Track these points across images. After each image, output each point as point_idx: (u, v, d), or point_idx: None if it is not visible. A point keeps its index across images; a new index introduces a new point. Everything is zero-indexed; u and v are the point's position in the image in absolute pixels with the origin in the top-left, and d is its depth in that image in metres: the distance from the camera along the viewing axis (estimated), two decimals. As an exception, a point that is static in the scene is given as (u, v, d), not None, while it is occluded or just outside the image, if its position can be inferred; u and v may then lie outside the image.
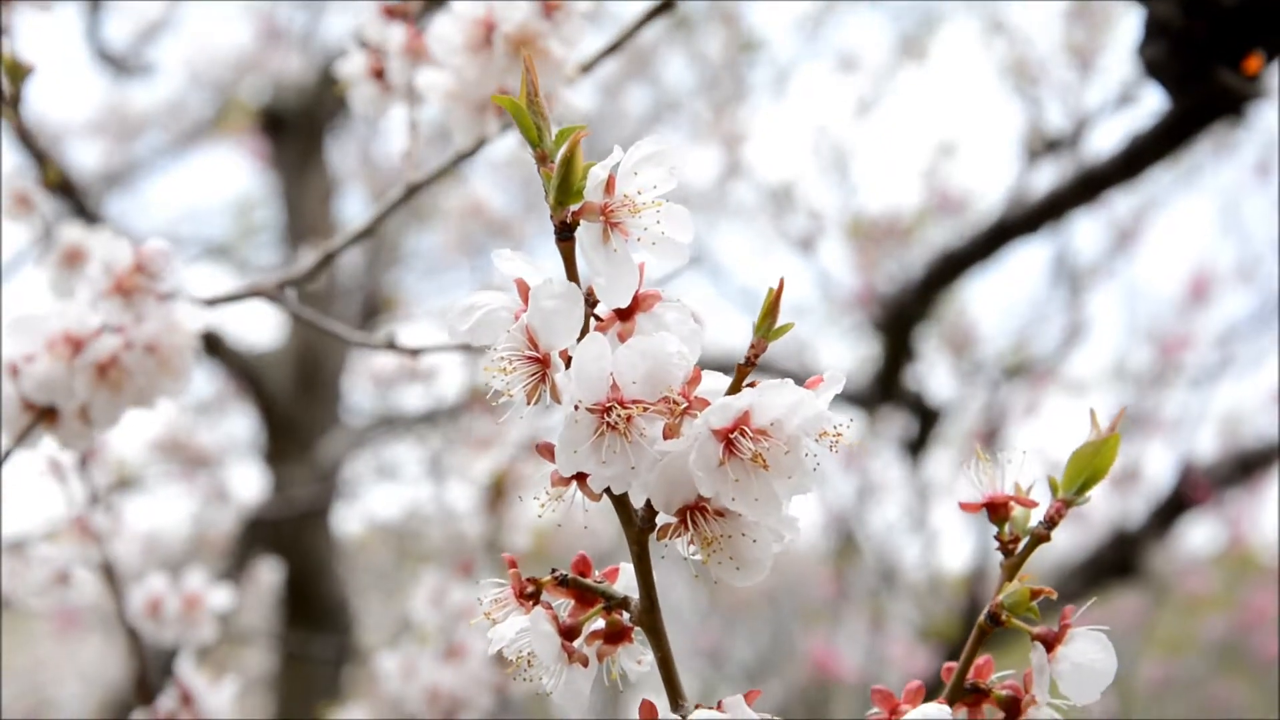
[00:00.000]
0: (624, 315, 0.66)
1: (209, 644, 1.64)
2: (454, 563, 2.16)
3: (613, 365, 0.62)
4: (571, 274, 0.65)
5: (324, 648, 3.57)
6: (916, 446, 3.87)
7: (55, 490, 1.58)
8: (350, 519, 4.82)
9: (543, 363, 0.63)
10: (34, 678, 4.89)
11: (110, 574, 1.57)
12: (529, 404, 0.64)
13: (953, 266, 3.13)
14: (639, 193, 0.64)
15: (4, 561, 1.63)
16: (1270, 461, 3.89)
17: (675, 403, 0.62)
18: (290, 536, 3.72)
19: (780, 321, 0.66)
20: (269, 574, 3.51)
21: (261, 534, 3.59)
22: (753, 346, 0.65)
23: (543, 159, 0.64)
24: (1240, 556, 5.42)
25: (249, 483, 4.25)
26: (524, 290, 0.65)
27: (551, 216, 0.64)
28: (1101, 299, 4.32)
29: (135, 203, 5.63)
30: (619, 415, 0.62)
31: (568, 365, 0.62)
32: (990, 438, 4.06)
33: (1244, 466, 3.88)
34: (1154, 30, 1.72)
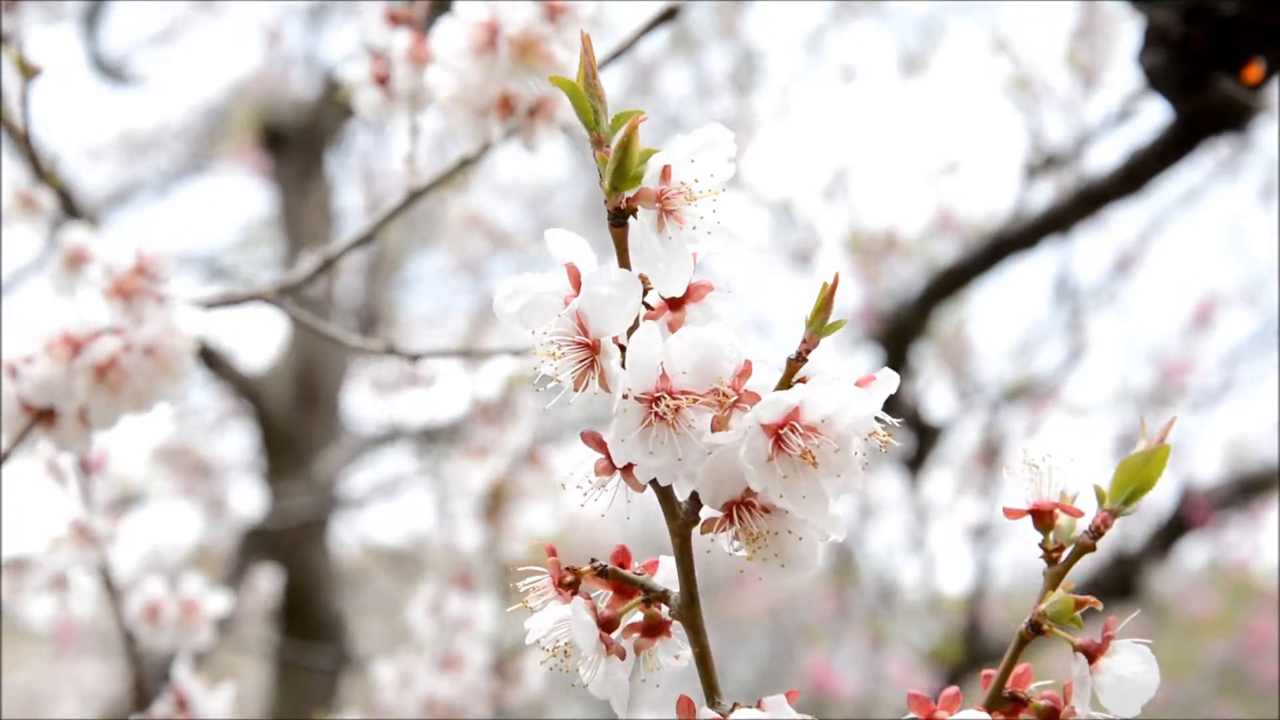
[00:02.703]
0: (675, 305, 0.65)
1: (206, 651, 1.63)
2: (451, 573, 2.15)
3: (663, 355, 0.61)
4: (623, 261, 0.64)
5: (321, 657, 3.55)
6: (915, 464, 3.86)
7: (57, 498, 1.57)
8: (349, 542, 4.81)
9: (591, 349, 0.62)
10: (31, 695, 4.86)
11: (108, 578, 1.55)
12: (576, 390, 0.63)
13: (952, 281, 3.13)
14: (695, 180, 0.63)
15: (4, 574, 1.61)
16: (1270, 485, 3.89)
17: (725, 395, 0.61)
18: (288, 550, 3.71)
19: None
20: (267, 582, 3.49)
21: (259, 547, 3.57)
22: (805, 342, 0.64)
23: (599, 143, 0.63)
24: (1241, 580, 5.41)
25: (248, 500, 4.24)
26: (574, 275, 0.64)
27: (605, 202, 0.63)
28: (1103, 321, 4.31)
29: (139, 227, 5.64)
30: (668, 406, 0.61)
31: (622, 352, 0.62)
32: (990, 458, 4.06)
33: (1244, 490, 3.87)
34: (1153, 38, 1.73)
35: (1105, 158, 3.17)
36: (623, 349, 0.62)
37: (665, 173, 0.63)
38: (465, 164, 1.28)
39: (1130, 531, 3.98)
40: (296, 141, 4.38)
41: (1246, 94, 1.72)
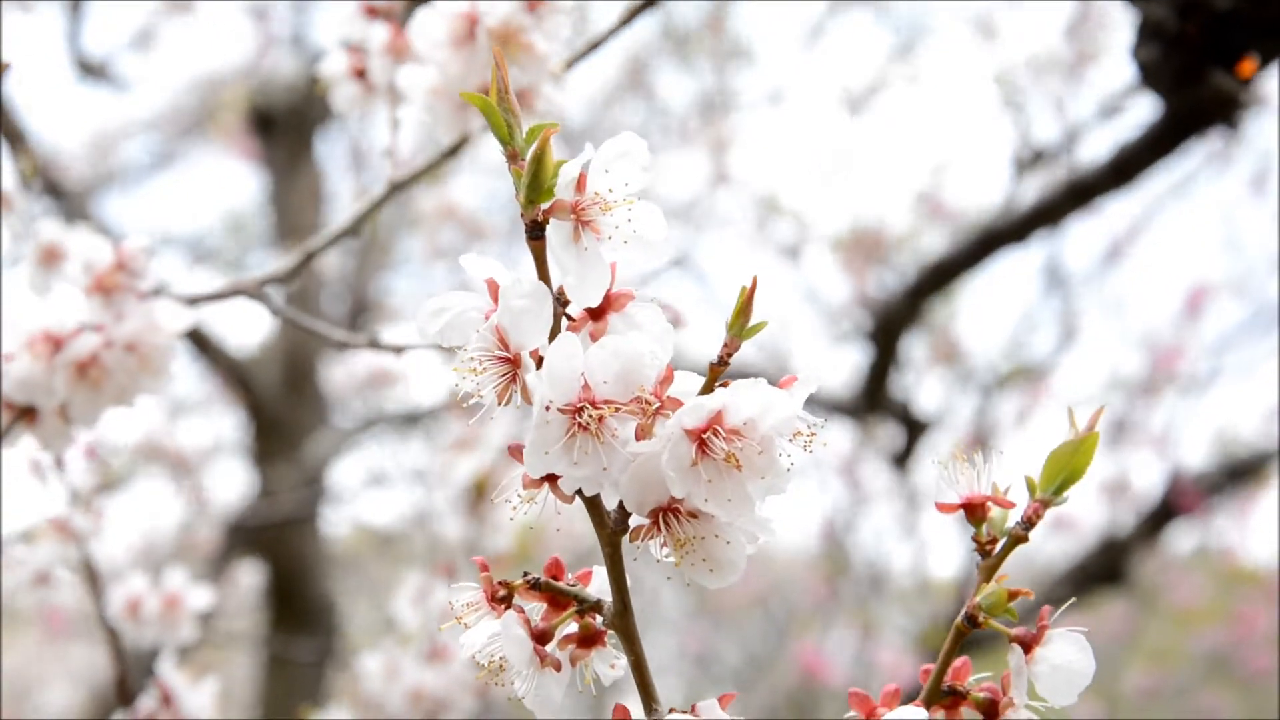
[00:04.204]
0: (596, 315, 0.65)
1: (191, 645, 1.63)
2: (437, 564, 2.15)
3: (584, 365, 0.61)
4: (542, 273, 0.64)
5: (307, 650, 3.55)
6: (903, 458, 3.87)
7: (42, 491, 1.57)
8: (338, 524, 4.81)
9: (513, 363, 0.63)
10: (22, 678, 4.87)
11: (90, 573, 1.55)
12: (499, 405, 0.63)
13: (941, 275, 3.13)
14: (610, 190, 0.63)
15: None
16: (1259, 471, 3.90)
17: (647, 403, 0.62)
18: (276, 539, 3.71)
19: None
20: (251, 575, 3.49)
21: (247, 536, 3.58)
22: (725, 345, 0.64)
23: (513, 156, 0.63)
24: (1230, 568, 5.42)
25: (235, 482, 4.24)
26: (494, 290, 0.64)
27: (522, 215, 0.63)
28: (1095, 309, 4.32)
29: (126, 212, 5.63)
30: (590, 416, 0.61)
31: (539, 365, 0.61)
32: (981, 445, 4.05)
33: (1233, 476, 3.88)
34: (1148, 32, 1.72)
35: (1094, 152, 3.18)
36: (540, 361, 0.62)
37: (580, 184, 0.63)
38: (445, 156, 1.28)
39: (1119, 518, 4.00)
40: (286, 124, 4.36)
41: (1240, 88, 1.72)
